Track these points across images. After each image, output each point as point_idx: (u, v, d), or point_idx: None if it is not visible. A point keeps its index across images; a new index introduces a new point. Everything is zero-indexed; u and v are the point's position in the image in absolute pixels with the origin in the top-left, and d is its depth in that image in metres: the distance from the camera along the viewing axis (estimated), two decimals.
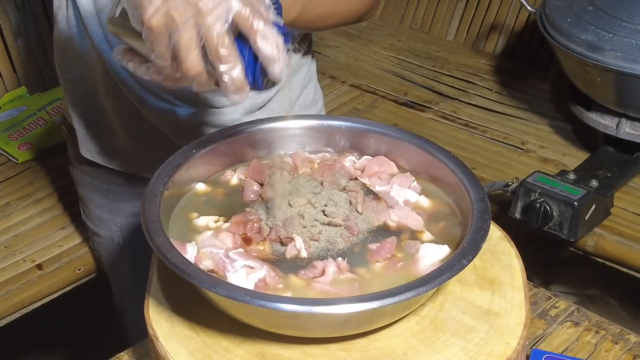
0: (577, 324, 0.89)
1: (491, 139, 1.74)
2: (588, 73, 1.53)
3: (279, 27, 0.65)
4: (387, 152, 0.85)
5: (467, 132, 1.76)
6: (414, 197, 0.80)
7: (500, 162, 1.64)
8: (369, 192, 0.79)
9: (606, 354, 0.84)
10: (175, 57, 0.63)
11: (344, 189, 0.77)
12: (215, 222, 0.77)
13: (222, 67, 0.61)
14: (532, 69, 1.99)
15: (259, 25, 0.63)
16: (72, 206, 1.50)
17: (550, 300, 0.93)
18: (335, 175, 0.81)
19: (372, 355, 0.69)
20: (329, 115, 1.22)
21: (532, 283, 0.92)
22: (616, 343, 0.86)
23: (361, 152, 0.86)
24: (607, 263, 1.46)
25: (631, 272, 1.42)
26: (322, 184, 0.79)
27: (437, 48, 1.92)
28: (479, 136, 1.74)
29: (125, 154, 1.09)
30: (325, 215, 0.74)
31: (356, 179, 0.81)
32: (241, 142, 0.87)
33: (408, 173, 0.82)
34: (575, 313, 0.90)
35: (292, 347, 0.70)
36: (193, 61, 0.62)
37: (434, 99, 1.86)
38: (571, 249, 1.49)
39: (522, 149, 1.68)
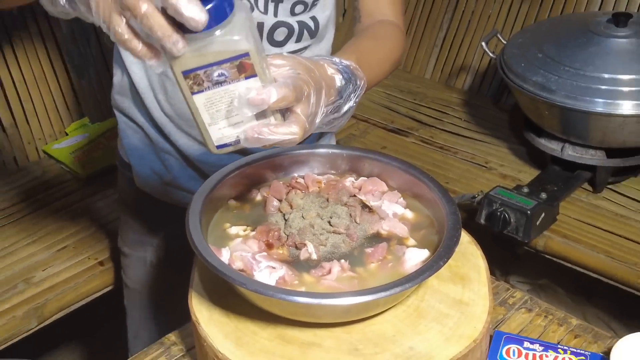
0: (530, 310, 0.88)
1: (461, 159, 1.73)
2: (538, 107, 1.53)
3: None
4: (379, 174, 0.84)
5: (442, 154, 1.77)
6: (400, 210, 0.80)
7: (468, 177, 1.64)
8: (364, 206, 0.77)
9: (553, 334, 0.82)
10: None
11: (345, 204, 0.77)
12: (244, 231, 0.76)
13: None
14: (494, 102, 1.97)
15: None
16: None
17: (509, 291, 0.92)
18: (338, 193, 0.79)
19: (368, 337, 0.68)
20: (333, 144, 1.15)
21: (494, 276, 0.92)
22: (561, 325, 0.84)
23: (358, 174, 0.85)
24: (554, 259, 1.44)
25: (574, 267, 1.40)
26: (327, 200, 0.78)
27: (417, 85, 1.98)
28: (451, 156, 1.75)
29: (179, 188, 1.04)
30: (331, 225, 0.73)
31: (354, 195, 0.79)
32: (263, 166, 0.84)
33: (396, 191, 0.81)
34: (529, 301, 0.89)
35: (305, 330, 0.69)
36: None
37: (415, 126, 1.86)
38: (525, 248, 1.48)
39: (485, 167, 1.68)
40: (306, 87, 0.60)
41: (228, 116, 0.57)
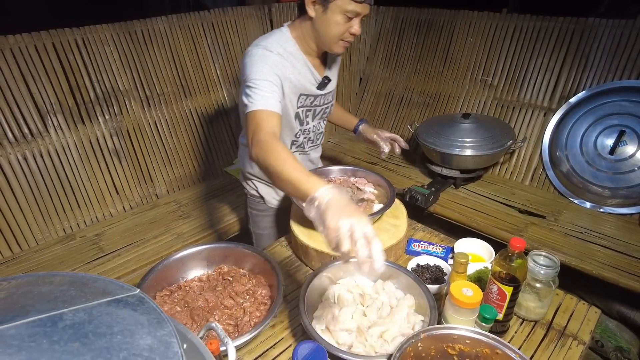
0: (424, 231, 1.43)
1: (400, 174, 2.37)
2: (431, 152, 2.20)
3: None
4: (364, 177, 1.46)
5: (391, 173, 2.40)
6: (372, 190, 1.40)
7: (402, 182, 2.27)
8: (358, 189, 1.39)
9: (434, 239, 1.40)
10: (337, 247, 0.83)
11: (349, 187, 1.41)
12: None
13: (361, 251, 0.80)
14: (413, 151, 2.57)
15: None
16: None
17: (417, 226, 1.48)
18: (347, 183, 1.43)
19: None
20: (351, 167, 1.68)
21: (413, 220, 1.49)
22: (436, 237, 1.45)
23: (355, 176, 1.49)
24: (436, 215, 2.05)
25: (446, 219, 2.01)
26: (343, 186, 1.47)
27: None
28: (395, 174, 2.38)
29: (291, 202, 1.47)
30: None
31: (354, 184, 1.41)
32: (321, 173, 1.51)
33: (371, 183, 1.42)
34: (426, 231, 1.44)
35: None
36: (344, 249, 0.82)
37: (379, 161, 2.52)
38: (425, 211, 2.06)
39: (409, 178, 2.32)
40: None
41: None
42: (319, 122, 1.48)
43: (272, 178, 1.03)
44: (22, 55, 1.86)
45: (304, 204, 0.88)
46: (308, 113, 1.38)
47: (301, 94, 1.35)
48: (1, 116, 1.83)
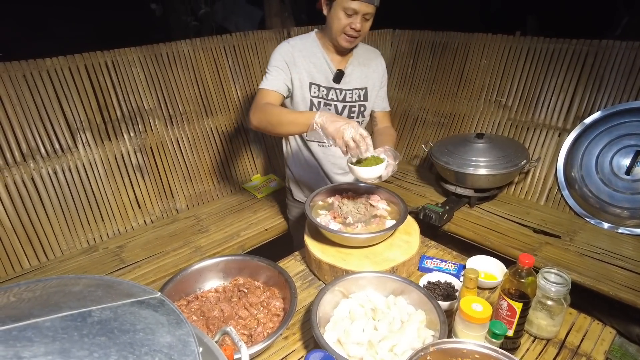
0: (437, 248, 1.43)
1: (414, 192, 2.37)
2: (445, 171, 2.19)
3: None
4: (378, 193, 1.43)
5: (406, 190, 2.41)
6: (385, 207, 1.37)
7: (417, 199, 2.28)
8: (370, 205, 1.36)
9: (447, 255, 1.42)
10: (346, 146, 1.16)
11: (362, 203, 1.37)
12: (325, 212, 1.30)
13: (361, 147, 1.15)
14: (428, 170, 2.59)
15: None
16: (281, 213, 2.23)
17: (431, 243, 1.47)
18: (361, 199, 1.43)
19: (372, 252, 1.16)
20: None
21: (426, 238, 1.49)
22: (449, 254, 1.43)
23: (368, 193, 1.45)
24: (450, 234, 2.05)
25: (458, 237, 2.00)
26: (356, 202, 1.41)
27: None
28: (409, 192, 2.38)
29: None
30: (357, 211, 1.32)
31: (367, 201, 1.39)
32: (335, 189, 1.46)
33: (384, 200, 1.40)
34: (439, 248, 1.44)
35: (346, 249, 1.19)
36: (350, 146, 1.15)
37: (393, 180, 2.53)
38: (439, 229, 2.06)
39: (423, 196, 2.33)
40: (393, 160, 1.28)
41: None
42: None
43: (275, 128, 1.26)
44: (57, 76, 1.96)
45: (306, 133, 1.15)
46: (329, 107, 1.50)
47: (311, 83, 1.50)
48: (36, 133, 1.93)
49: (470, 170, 2.01)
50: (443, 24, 2.75)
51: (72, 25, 3.81)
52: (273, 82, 1.43)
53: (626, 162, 1.98)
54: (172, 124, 2.28)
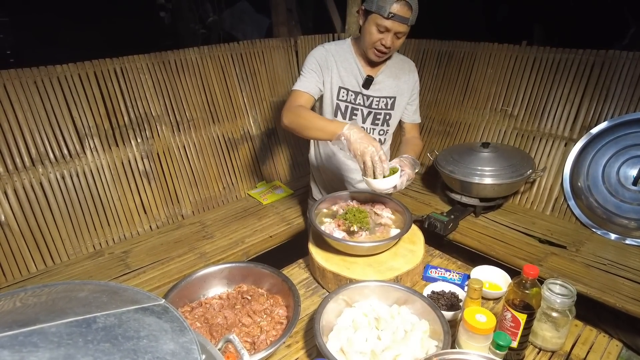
0: (441, 258, 1.43)
1: (419, 201, 2.36)
2: (451, 180, 2.19)
3: None
4: (383, 202, 1.44)
5: (411, 198, 2.40)
6: (389, 215, 1.39)
7: (422, 208, 2.28)
8: (376, 213, 1.37)
9: (452, 265, 1.40)
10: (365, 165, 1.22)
11: (370, 211, 1.41)
12: (330, 220, 1.29)
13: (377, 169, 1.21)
14: (434, 178, 2.56)
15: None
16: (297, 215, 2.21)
17: (435, 252, 1.48)
18: (365, 208, 1.44)
19: (376, 261, 1.17)
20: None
21: (430, 246, 1.49)
22: (454, 263, 1.38)
23: (373, 202, 1.45)
24: (455, 243, 2.03)
25: (464, 246, 1.98)
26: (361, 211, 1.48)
27: None
28: (415, 200, 2.37)
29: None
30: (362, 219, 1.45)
31: (372, 209, 1.40)
32: (339, 197, 1.45)
33: (388, 208, 1.41)
34: (443, 258, 1.43)
35: (350, 257, 1.18)
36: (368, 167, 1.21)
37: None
38: (444, 238, 2.04)
39: (429, 205, 2.32)
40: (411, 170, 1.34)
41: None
42: (372, 129, 1.58)
43: (304, 131, 1.31)
44: (66, 83, 1.98)
45: (330, 142, 1.21)
46: (355, 112, 1.54)
47: (341, 87, 1.55)
48: (45, 138, 1.95)
49: (476, 180, 2.00)
50: (449, 33, 2.75)
51: (83, 33, 3.88)
52: (306, 84, 1.49)
53: (633, 172, 1.97)
54: (179, 131, 2.30)
